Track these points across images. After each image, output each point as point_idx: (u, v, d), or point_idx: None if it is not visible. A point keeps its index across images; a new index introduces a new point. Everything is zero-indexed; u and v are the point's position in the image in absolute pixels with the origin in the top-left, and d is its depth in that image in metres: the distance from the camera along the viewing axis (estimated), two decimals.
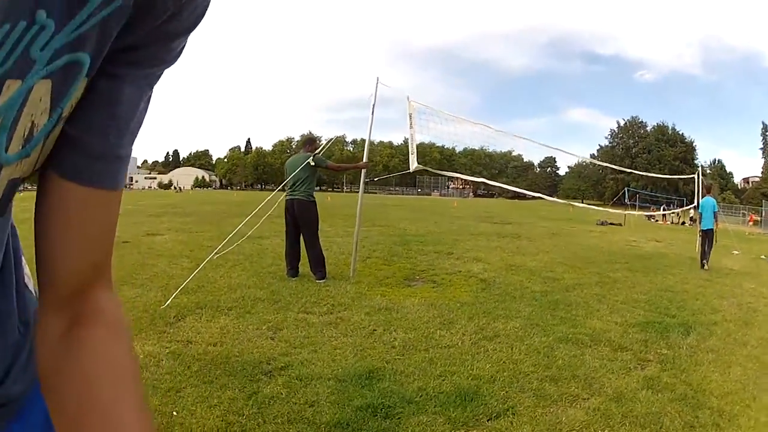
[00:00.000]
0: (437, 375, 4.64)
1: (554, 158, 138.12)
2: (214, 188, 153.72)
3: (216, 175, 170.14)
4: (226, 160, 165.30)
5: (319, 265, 8.12)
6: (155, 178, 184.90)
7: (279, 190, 8.63)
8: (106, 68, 0.56)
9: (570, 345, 5.72)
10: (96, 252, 0.64)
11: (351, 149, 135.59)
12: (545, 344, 5.69)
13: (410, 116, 8.85)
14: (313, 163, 8.07)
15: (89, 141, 0.59)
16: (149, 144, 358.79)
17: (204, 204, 34.51)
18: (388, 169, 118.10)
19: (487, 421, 3.85)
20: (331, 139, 10.13)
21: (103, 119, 0.58)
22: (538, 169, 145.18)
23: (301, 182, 8.07)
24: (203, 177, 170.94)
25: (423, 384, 4.42)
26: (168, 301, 6.56)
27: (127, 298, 6.87)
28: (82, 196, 0.59)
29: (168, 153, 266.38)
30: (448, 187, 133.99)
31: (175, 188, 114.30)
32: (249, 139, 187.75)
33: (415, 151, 8.74)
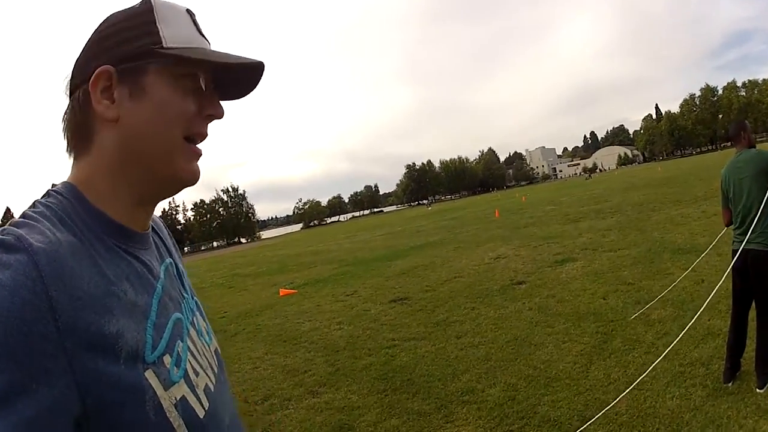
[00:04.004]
0: None
1: None
2: (638, 163, 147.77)
3: (637, 149, 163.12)
4: (642, 131, 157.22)
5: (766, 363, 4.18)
6: (579, 164, 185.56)
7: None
8: None
9: None
10: None
11: (744, 94, 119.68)
12: None
13: None
14: None
15: None
16: (563, 132, 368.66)
17: (629, 190, 30.28)
18: None
19: None
20: None
21: None
22: None
23: (753, 217, 4.17)
24: (625, 154, 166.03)
25: None
26: None
27: None
28: None
29: (585, 136, 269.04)
30: None
31: (587, 175, 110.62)
32: (657, 104, 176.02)
33: None
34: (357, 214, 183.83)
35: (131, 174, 0.85)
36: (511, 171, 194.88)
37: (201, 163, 0.92)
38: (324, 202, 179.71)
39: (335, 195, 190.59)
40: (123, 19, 0.86)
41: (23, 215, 0.75)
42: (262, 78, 0.95)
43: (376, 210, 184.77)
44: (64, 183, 0.84)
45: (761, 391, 4.10)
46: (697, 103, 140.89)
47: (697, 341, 5.25)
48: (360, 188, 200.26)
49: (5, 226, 0.71)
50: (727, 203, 4.57)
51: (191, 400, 0.81)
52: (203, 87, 0.88)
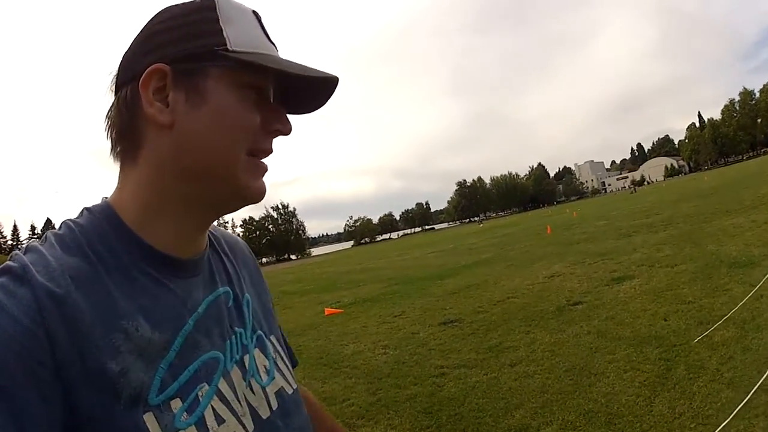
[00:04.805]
0: None
1: None
2: (684, 174, 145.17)
3: (683, 159, 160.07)
4: (687, 141, 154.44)
5: None
6: (627, 177, 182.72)
7: None
8: None
9: None
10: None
11: None
12: None
13: None
14: None
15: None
16: (610, 144, 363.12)
17: (679, 201, 29.24)
18: None
19: None
20: None
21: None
22: None
23: None
24: (672, 165, 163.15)
25: None
26: None
27: None
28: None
29: (632, 148, 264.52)
30: None
31: (632, 189, 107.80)
32: (699, 112, 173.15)
33: None
34: (408, 231, 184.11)
35: (185, 189, 0.76)
36: (561, 186, 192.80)
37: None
38: (375, 219, 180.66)
39: (386, 212, 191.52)
40: (180, 14, 0.76)
41: (44, 237, 0.73)
42: (333, 94, 0.84)
43: (427, 227, 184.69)
44: (102, 200, 0.80)
45: None
46: (737, 108, 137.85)
47: (760, 365, 4.74)
48: (411, 205, 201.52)
49: (17, 251, 0.69)
50: None
51: None
52: (270, 98, 0.80)
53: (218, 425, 0.75)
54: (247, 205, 0.82)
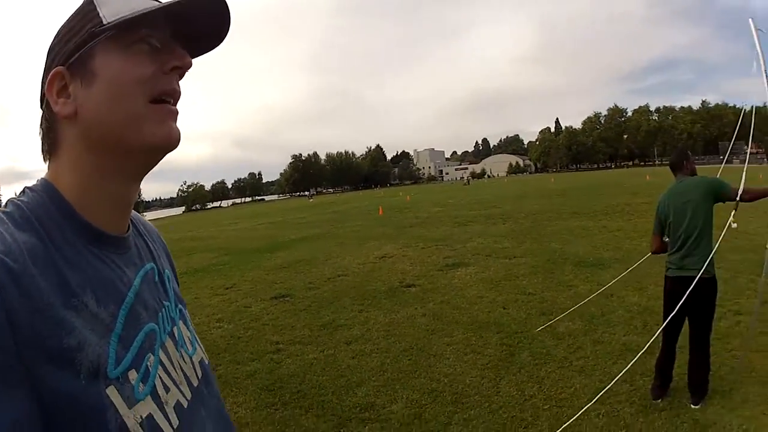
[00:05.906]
0: None
1: None
2: (530, 173, 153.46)
3: (530, 160, 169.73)
4: (537, 143, 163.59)
5: (702, 380, 4.35)
6: (467, 168, 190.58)
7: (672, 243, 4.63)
8: None
9: None
10: None
11: (656, 118, 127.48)
12: None
13: None
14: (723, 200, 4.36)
15: None
16: (456, 136, 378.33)
17: (521, 198, 31.01)
18: (692, 137, 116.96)
19: None
20: None
21: None
22: None
23: (694, 240, 4.31)
24: (517, 163, 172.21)
25: None
26: None
27: None
28: None
29: (477, 142, 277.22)
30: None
31: (465, 181, 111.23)
32: (557, 119, 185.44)
33: None
34: (238, 200, 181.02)
35: (101, 161, 0.81)
36: (396, 170, 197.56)
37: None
38: (208, 186, 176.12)
39: (219, 180, 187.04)
40: (66, 23, 0.83)
41: None
42: (229, 22, 0.89)
43: (257, 198, 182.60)
44: (41, 179, 0.83)
45: (696, 406, 4.17)
46: (602, 122, 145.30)
47: (615, 357, 5.22)
48: (244, 174, 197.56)
49: None
50: (662, 230, 4.65)
51: (158, 418, 0.76)
52: (157, 44, 0.82)
53: (166, 393, 0.80)
54: (161, 152, 0.85)
